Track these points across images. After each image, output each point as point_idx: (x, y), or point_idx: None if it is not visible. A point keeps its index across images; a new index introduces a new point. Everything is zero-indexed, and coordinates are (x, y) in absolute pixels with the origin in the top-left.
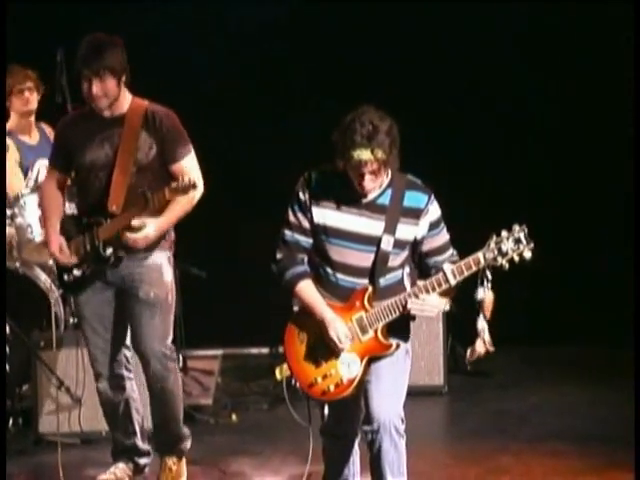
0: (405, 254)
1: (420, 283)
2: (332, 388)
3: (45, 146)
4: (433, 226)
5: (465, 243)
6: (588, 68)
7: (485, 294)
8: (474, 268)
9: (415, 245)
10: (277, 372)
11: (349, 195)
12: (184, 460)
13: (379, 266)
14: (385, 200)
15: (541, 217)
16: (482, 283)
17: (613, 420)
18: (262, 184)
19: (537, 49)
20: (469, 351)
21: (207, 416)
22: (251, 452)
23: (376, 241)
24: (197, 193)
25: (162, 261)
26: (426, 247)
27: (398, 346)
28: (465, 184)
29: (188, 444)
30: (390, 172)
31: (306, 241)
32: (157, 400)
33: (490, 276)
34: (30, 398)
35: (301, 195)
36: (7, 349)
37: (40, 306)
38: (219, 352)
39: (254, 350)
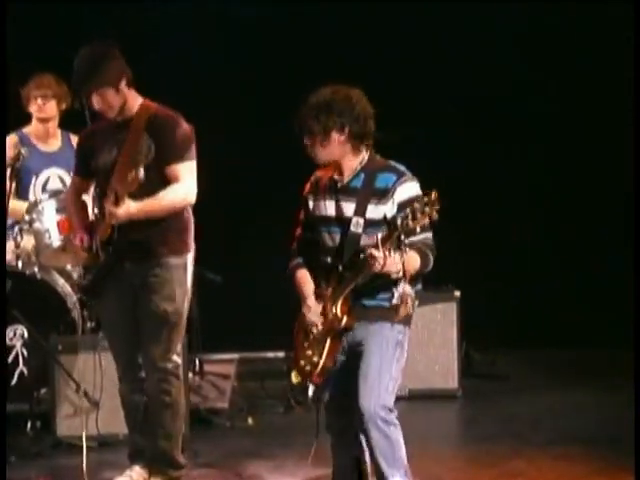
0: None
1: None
2: (309, 368)
3: (63, 155)
4: (402, 206)
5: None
6: (588, 68)
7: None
8: (394, 233)
9: (389, 224)
10: (293, 376)
11: (330, 183)
12: None
13: (348, 246)
14: (358, 183)
15: (541, 217)
16: (400, 247)
17: (625, 423)
18: (277, 187)
19: (537, 49)
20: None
21: (223, 419)
22: (267, 455)
23: (346, 222)
24: (178, 195)
25: (179, 270)
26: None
27: (349, 322)
28: (465, 184)
29: (181, 472)
30: (366, 156)
31: (307, 233)
32: (154, 415)
33: (406, 241)
34: (48, 402)
35: (305, 193)
36: (25, 353)
37: (58, 310)
38: (235, 356)
39: (270, 354)
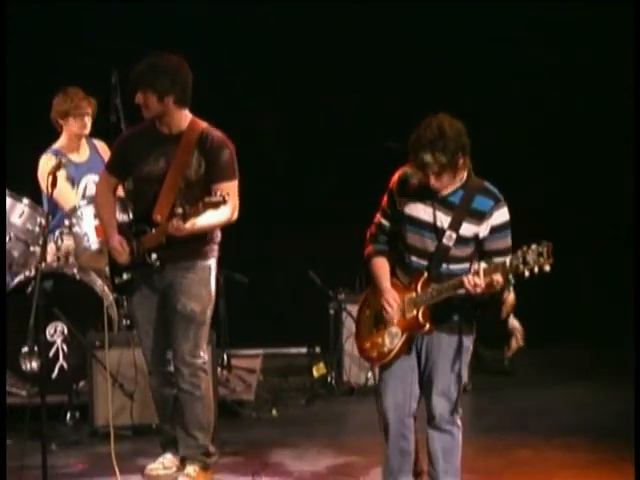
0: (471, 248)
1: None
2: (375, 354)
3: (94, 162)
4: (495, 230)
5: None
6: (590, 68)
7: (508, 295)
8: (500, 271)
9: (478, 243)
10: (314, 370)
11: (426, 188)
12: (209, 473)
13: (438, 255)
14: (456, 199)
15: (545, 215)
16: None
17: (625, 416)
18: (300, 191)
19: (536, 49)
20: (506, 349)
21: (249, 411)
22: (290, 444)
23: (440, 232)
24: (226, 214)
25: (205, 272)
26: (487, 247)
27: (431, 329)
28: None
29: (213, 460)
30: (465, 174)
31: (389, 225)
32: (186, 408)
33: (513, 280)
34: (86, 394)
35: (392, 185)
36: (65, 348)
37: (96, 309)
38: (261, 352)
39: (293, 350)
